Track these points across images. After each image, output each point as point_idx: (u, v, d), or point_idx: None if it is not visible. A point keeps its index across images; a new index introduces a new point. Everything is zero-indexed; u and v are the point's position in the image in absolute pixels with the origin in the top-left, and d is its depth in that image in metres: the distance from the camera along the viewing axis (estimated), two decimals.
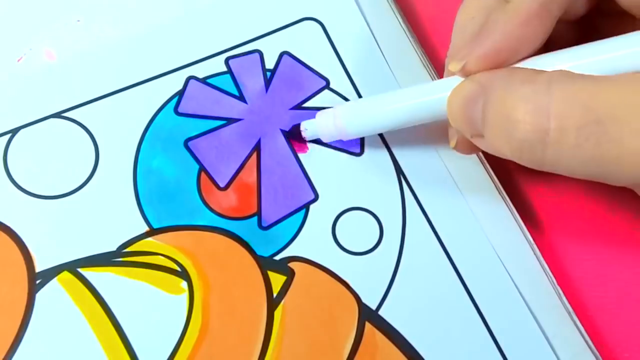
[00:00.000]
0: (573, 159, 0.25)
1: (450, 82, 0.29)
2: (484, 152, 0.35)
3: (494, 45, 0.28)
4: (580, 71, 0.26)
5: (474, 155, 0.35)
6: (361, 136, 0.34)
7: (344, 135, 0.33)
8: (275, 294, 0.32)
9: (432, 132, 0.36)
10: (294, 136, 0.35)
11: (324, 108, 0.35)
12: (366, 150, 0.35)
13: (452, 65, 0.29)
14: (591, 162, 0.25)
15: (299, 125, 0.34)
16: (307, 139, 0.35)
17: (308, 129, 0.34)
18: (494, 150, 0.28)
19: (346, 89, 0.36)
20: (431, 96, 0.30)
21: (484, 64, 0.28)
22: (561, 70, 0.26)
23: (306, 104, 0.36)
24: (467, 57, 0.28)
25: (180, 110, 0.35)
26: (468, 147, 0.32)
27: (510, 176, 0.36)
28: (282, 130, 0.35)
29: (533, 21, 0.27)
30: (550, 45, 0.29)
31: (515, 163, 0.30)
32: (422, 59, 0.37)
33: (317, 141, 0.35)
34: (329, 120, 0.33)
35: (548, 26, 0.28)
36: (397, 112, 0.31)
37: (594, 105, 0.24)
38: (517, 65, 0.28)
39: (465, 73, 0.29)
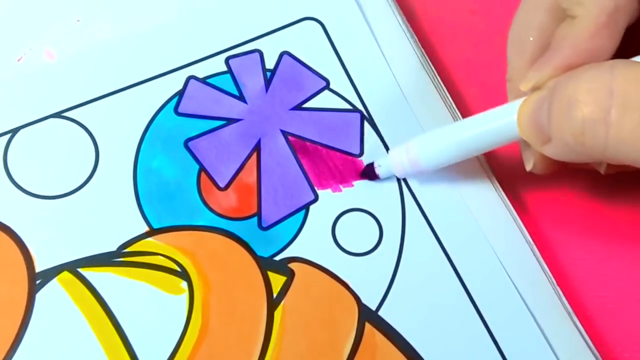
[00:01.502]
0: (636, 139, 0.24)
1: (518, 104, 0.29)
2: (485, 155, 0.35)
3: (564, 61, 0.27)
4: None
5: (474, 157, 0.35)
6: (436, 168, 0.33)
7: (417, 170, 0.33)
8: (275, 295, 0.32)
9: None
10: (367, 175, 0.34)
11: (324, 108, 0.35)
12: (366, 151, 0.35)
13: (524, 85, 0.28)
14: None
15: (372, 163, 0.34)
16: (380, 177, 0.34)
17: (382, 165, 0.34)
18: (560, 148, 0.27)
19: (346, 89, 0.36)
20: (502, 120, 0.30)
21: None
22: (624, 60, 0.26)
23: (306, 104, 0.36)
24: (538, 75, 0.28)
25: (180, 110, 0.35)
26: (544, 166, 0.32)
27: (510, 177, 0.36)
28: (361, 173, 0.35)
29: (602, 33, 0.27)
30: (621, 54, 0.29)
31: (514, 161, 0.31)
32: (422, 59, 0.37)
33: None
34: (402, 155, 0.33)
35: (617, 37, 0.27)
36: (470, 141, 0.31)
37: None
38: None
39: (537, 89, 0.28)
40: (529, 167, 0.32)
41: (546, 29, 0.29)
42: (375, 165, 0.34)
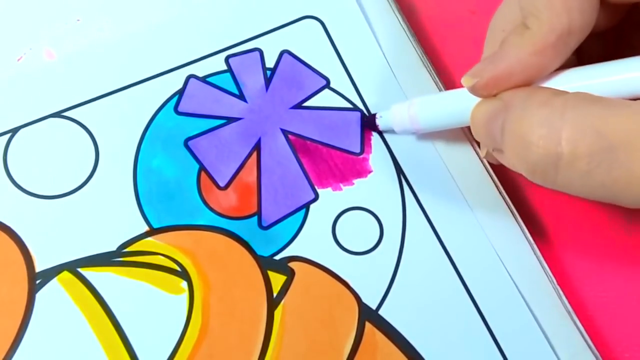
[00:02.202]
0: (584, 184, 0.26)
1: None
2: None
3: (506, 69, 0.28)
4: (598, 92, 0.26)
5: (474, 155, 0.35)
6: (433, 130, 0.34)
7: (416, 127, 0.33)
8: (275, 294, 0.32)
9: (431, 132, 0.35)
10: (368, 125, 0.35)
11: (324, 107, 0.35)
12: (366, 150, 0.35)
13: (464, 80, 0.29)
14: (602, 187, 0.25)
15: (374, 114, 0.35)
16: (380, 128, 0.35)
17: (382, 116, 0.35)
18: (511, 166, 0.29)
19: (346, 88, 0.36)
20: None
21: (495, 85, 0.28)
22: (578, 93, 0.26)
23: (306, 103, 0.36)
24: (480, 75, 0.28)
25: (180, 109, 0.35)
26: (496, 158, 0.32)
27: (510, 177, 0.36)
28: (361, 118, 0.36)
29: (548, 51, 0.27)
30: (579, 56, 0.30)
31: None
32: (422, 58, 0.37)
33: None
34: (403, 111, 0.33)
35: (563, 56, 0.28)
36: (467, 110, 0.31)
37: (606, 131, 0.24)
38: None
39: (475, 91, 0.29)
40: (482, 154, 0.33)
41: (516, 23, 0.30)
42: (377, 116, 0.35)
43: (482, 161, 0.35)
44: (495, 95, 0.29)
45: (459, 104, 0.31)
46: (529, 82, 0.28)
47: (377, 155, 0.35)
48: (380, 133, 0.35)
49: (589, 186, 0.26)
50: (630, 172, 0.24)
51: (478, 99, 0.30)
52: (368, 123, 0.35)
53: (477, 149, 0.35)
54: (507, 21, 0.31)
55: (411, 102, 0.33)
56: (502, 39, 0.29)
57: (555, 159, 0.26)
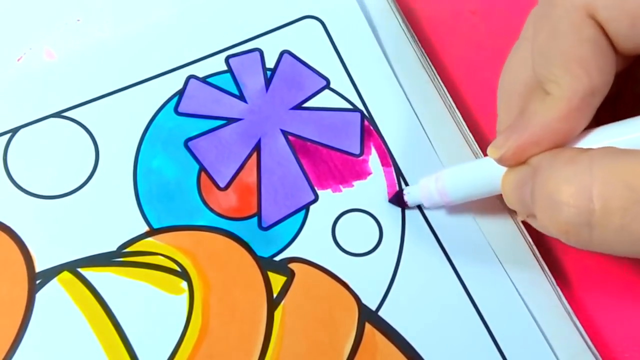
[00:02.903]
0: (620, 240, 0.25)
1: None
2: (482, 151, 0.35)
3: (532, 138, 0.27)
4: (624, 146, 0.26)
5: (471, 156, 0.35)
6: (463, 201, 0.33)
7: (446, 200, 0.32)
8: (275, 295, 0.32)
9: (430, 131, 0.36)
10: (396, 201, 0.34)
11: (324, 108, 0.35)
12: (366, 150, 0.35)
13: (490, 152, 0.29)
14: (638, 242, 0.25)
15: (401, 190, 0.34)
16: (408, 204, 0.34)
17: (410, 193, 0.33)
18: (546, 231, 0.28)
19: (346, 88, 0.36)
20: None
21: (522, 155, 0.28)
22: (604, 148, 0.26)
23: (306, 104, 0.36)
24: (506, 146, 0.28)
25: (180, 109, 0.35)
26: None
27: None
28: (390, 199, 0.34)
29: (573, 116, 0.27)
30: None
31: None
32: (422, 59, 0.37)
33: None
34: (431, 184, 0.32)
35: (589, 117, 0.27)
36: (498, 178, 0.30)
37: (636, 184, 0.24)
38: None
39: (503, 162, 0.28)
40: (520, 218, 0.32)
41: (531, 87, 0.29)
42: (405, 192, 0.34)
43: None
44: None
45: (488, 174, 0.30)
46: (557, 146, 0.27)
47: (376, 156, 0.35)
48: (409, 208, 0.34)
49: (625, 242, 0.25)
50: None
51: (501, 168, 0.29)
52: (396, 200, 0.34)
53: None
54: (521, 83, 0.30)
55: (438, 175, 0.32)
56: (522, 106, 0.28)
57: (587, 217, 0.25)
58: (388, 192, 0.34)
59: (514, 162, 0.28)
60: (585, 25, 0.26)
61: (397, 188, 0.34)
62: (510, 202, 0.29)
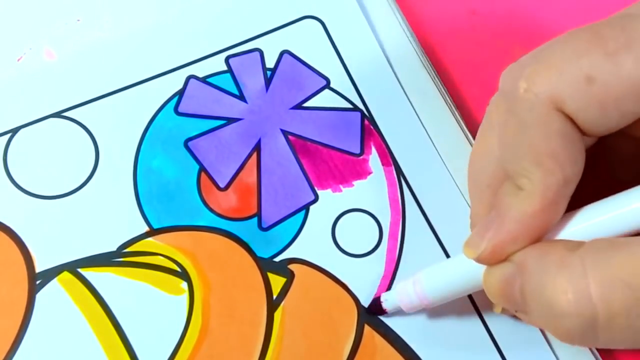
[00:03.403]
0: (627, 338, 0.25)
1: None
2: None
3: (509, 234, 0.26)
4: (609, 229, 0.25)
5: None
6: (444, 302, 0.31)
7: (425, 303, 0.31)
8: (275, 296, 0.32)
9: (430, 130, 0.36)
10: (375, 309, 0.32)
11: (324, 107, 0.35)
12: (366, 150, 0.35)
13: (466, 251, 0.28)
14: None
15: (378, 298, 0.32)
16: (387, 311, 0.32)
17: (388, 299, 0.32)
18: (539, 326, 0.28)
19: (347, 88, 0.36)
20: None
21: (501, 252, 0.27)
22: (593, 244, 0.25)
23: (306, 104, 0.36)
24: (482, 246, 0.27)
25: (180, 110, 0.35)
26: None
27: None
28: (368, 308, 0.33)
29: (548, 208, 0.26)
30: None
31: None
32: (421, 58, 0.37)
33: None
34: (409, 288, 0.31)
35: (563, 206, 0.26)
36: (478, 275, 0.29)
37: (635, 282, 0.23)
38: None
39: (481, 261, 0.27)
40: (497, 310, 0.31)
41: (500, 178, 0.28)
42: (382, 299, 0.32)
43: None
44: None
45: (468, 271, 0.29)
46: (535, 240, 0.26)
47: (376, 156, 0.35)
48: (387, 315, 0.33)
49: (632, 339, 0.24)
50: None
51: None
52: (374, 308, 0.32)
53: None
54: (489, 175, 0.29)
55: (415, 278, 0.31)
56: (492, 198, 0.28)
57: (591, 322, 0.24)
58: (390, 201, 0.34)
59: (492, 260, 0.27)
60: (553, 118, 0.25)
61: (399, 196, 0.34)
62: (495, 299, 0.28)
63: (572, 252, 0.25)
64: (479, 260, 0.27)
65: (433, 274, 0.31)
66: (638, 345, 0.25)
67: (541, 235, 0.27)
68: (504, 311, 0.31)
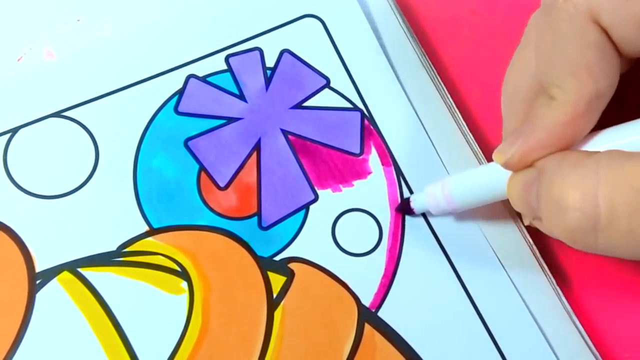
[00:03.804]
0: (627, 244, 0.25)
1: None
2: (482, 150, 0.35)
3: (538, 142, 0.27)
4: (629, 148, 0.25)
5: (472, 156, 0.35)
6: (470, 207, 0.33)
7: (452, 207, 0.32)
8: (275, 295, 0.32)
9: (430, 130, 0.36)
10: (403, 209, 0.34)
11: (324, 107, 0.35)
12: (366, 150, 0.35)
13: (496, 157, 0.29)
14: None
15: (408, 198, 0.34)
16: (415, 212, 0.34)
17: (416, 200, 0.33)
18: (551, 234, 0.28)
19: (347, 87, 0.36)
20: None
21: (528, 160, 0.28)
22: (610, 151, 0.25)
23: (306, 103, 0.36)
24: (511, 151, 0.28)
25: (180, 109, 0.35)
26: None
27: None
28: (396, 208, 0.34)
29: (578, 120, 0.26)
30: None
31: None
32: (421, 58, 0.37)
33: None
34: (437, 191, 0.32)
35: (594, 121, 0.27)
36: (504, 181, 0.30)
37: None
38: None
39: (509, 167, 0.28)
40: (526, 222, 0.33)
41: (534, 93, 0.29)
42: (411, 200, 0.33)
43: (482, 161, 0.35)
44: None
45: (494, 179, 0.30)
46: (563, 149, 0.27)
47: (376, 156, 0.35)
48: (415, 215, 0.34)
49: (632, 246, 0.25)
50: None
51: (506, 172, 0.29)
52: (402, 208, 0.34)
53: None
54: (524, 88, 0.30)
55: (444, 182, 0.32)
56: (526, 111, 0.28)
57: (594, 222, 0.25)
58: (389, 201, 0.34)
59: (519, 166, 0.28)
60: (589, 29, 0.26)
61: (399, 196, 0.34)
62: (516, 205, 0.29)
63: (588, 156, 0.25)
64: (506, 165, 0.28)
65: (462, 178, 0.32)
66: (634, 254, 0.25)
67: (569, 146, 0.27)
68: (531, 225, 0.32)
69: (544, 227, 0.28)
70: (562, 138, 0.27)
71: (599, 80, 0.26)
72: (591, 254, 0.32)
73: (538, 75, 0.28)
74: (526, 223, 0.33)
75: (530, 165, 0.28)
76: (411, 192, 0.34)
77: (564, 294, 0.33)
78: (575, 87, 0.26)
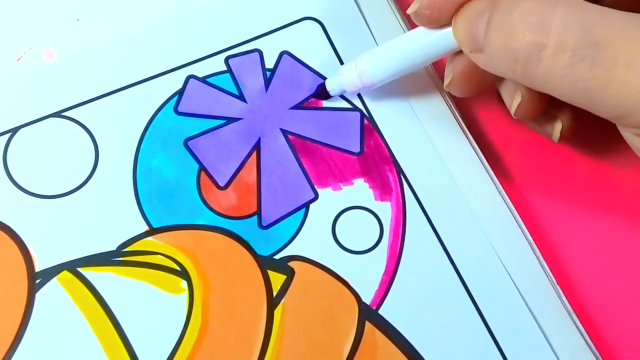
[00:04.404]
0: (564, 78, 0.26)
1: None
2: (486, 156, 0.35)
3: None
4: None
5: (475, 155, 0.35)
6: (385, 82, 0.34)
7: (367, 83, 0.34)
8: (275, 294, 0.32)
9: (430, 130, 0.36)
10: (320, 95, 0.36)
11: (324, 107, 0.35)
12: (366, 149, 0.35)
13: (410, 9, 0.30)
14: (580, 83, 0.26)
15: (324, 83, 0.35)
16: (333, 95, 0.35)
17: (332, 82, 0.35)
18: (491, 64, 0.28)
19: None
20: (443, 30, 0.31)
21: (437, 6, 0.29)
22: None
23: (306, 104, 0.36)
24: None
25: (180, 109, 0.35)
26: (461, 86, 0.33)
27: (511, 178, 0.36)
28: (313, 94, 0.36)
29: None
30: None
31: (515, 162, 0.30)
32: None
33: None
34: (352, 71, 0.34)
35: None
36: (414, 52, 0.32)
37: (595, 29, 0.25)
38: None
39: (417, 18, 0.30)
40: (446, 83, 0.33)
41: None
42: (326, 82, 0.35)
43: (483, 163, 0.35)
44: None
45: (406, 47, 0.32)
46: None
47: (377, 155, 0.35)
48: (329, 98, 0.36)
49: (567, 81, 0.26)
50: (610, 73, 0.25)
51: (423, 39, 0.31)
52: (319, 94, 0.36)
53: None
54: None
55: (357, 60, 0.34)
56: None
57: (539, 49, 0.26)
58: (390, 199, 0.34)
59: (429, 13, 0.30)
60: None
61: (400, 195, 0.34)
62: (459, 35, 0.29)
63: None
64: (416, 16, 0.30)
65: (374, 52, 0.34)
66: (567, 91, 0.26)
67: None
68: (451, 86, 0.33)
69: (484, 58, 0.29)
70: None
71: None
72: (587, 251, 0.33)
73: None
74: (446, 83, 0.34)
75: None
76: (413, 192, 0.34)
77: (564, 293, 0.33)
78: None
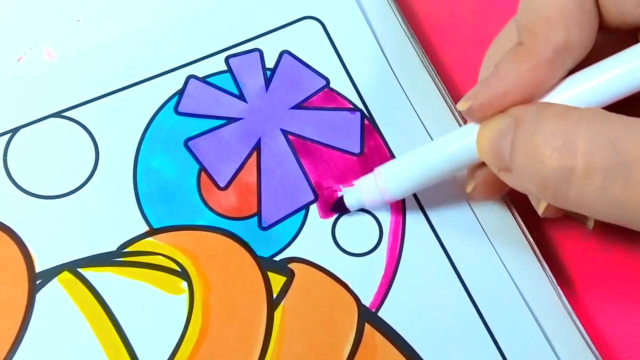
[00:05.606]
0: (597, 200, 0.25)
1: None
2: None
3: (501, 87, 0.27)
4: (602, 92, 0.26)
5: None
6: (405, 195, 0.33)
7: (387, 198, 0.32)
8: (275, 295, 0.32)
9: (430, 130, 0.36)
10: (338, 208, 0.34)
11: (324, 107, 0.35)
12: (366, 150, 0.35)
13: (460, 104, 0.28)
14: (615, 204, 0.24)
15: (341, 198, 0.33)
16: (350, 209, 0.33)
17: (351, 197, 0.33)
18: (520, 185, 0.27)
19: (346, 88, 0.36)
20: (466, 141, 0.29)
21: (490, 106, 0.27)
22: (592, 108, 0.25)
23: (306, 104, 0.36)
24: (475, 97, 0.27)
25: (180, 109, 0.35)
26: (484, 193, 0.32)
27: None
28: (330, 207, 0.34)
29: (544, 67, 0.26)
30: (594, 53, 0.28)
31: None
32: (421, 58, 0.37)
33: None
34: (371, 185, 0.32)
35: (560, 74, 0.27)
36: (436, 164, 0.30)
37: (622, 147, 0.24)
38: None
39: (471, 113, 0.28)
40: (468, 189, 0.32)
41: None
42: (345, 198, 0.33)
43: None
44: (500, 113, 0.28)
45: (428, 162, 0.30)
46: (526, 100, 0.27)
47: (376, 155, 0.35)
48: (347, 211, 0.34)
49: (602, 203, 0.25)
50: None
51: (445, 151, 0.29)
52: (336, 206, 0.34)
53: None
54: (504, 45, 0.29)
55: (375, 174, 0.32)
56: (498, 62, 0.28)
57: (568, 173, 0.25)
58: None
59: (482, 113, 0.28)
60: None
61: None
62: (484, 154, 0.28)
63: (571, 109, 0.25)
64: (468, 113, 0.28)
65: (392, 166, 0.32)
66: (602, 212, 0.25)
67: (535, 94, 0.27)
68: (473, 193, 0.32)
69: (511, 178, 0.28)
70: (525, 84, 0.27)
71: (571, 29, 0.26)
72: (587, 252, 0.33)
73: (516, 20, 0.28)
74: (469, 190, 0.32)
75: (504, 112, 0.27)
76: (412, 193, 0.34)
77: (564, 294, 0.33)
78: (544, 31, 0.26)
